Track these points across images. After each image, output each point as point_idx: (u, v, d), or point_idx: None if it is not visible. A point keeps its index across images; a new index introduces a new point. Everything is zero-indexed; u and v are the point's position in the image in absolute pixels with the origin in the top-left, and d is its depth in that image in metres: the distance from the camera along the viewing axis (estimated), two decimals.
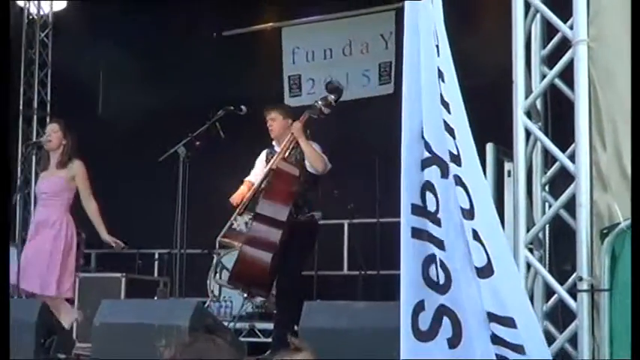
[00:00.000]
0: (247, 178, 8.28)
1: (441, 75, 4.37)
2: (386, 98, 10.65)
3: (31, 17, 14.26)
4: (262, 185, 7.96)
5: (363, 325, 5.64)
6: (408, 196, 4.45)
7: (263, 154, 8.31)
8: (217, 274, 9.57)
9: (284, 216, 7.72)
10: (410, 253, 4.48)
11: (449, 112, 4.32)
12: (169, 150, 7.95)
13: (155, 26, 12.71)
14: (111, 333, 6.84)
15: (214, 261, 8.21)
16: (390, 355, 4.65)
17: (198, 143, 8.04)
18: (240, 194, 8.11)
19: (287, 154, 7.99)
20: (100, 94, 14.22)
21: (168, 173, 7.95)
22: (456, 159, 4.26)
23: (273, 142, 8.27)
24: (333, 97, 8.14)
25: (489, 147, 5.48)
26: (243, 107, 8.10)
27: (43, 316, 7.30)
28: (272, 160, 8.04)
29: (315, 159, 7.91)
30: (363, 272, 10.26)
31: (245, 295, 8.76)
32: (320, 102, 8.12)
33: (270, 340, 8.39)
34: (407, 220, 4.47)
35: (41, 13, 14.29)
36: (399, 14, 9.90)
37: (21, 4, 14.21)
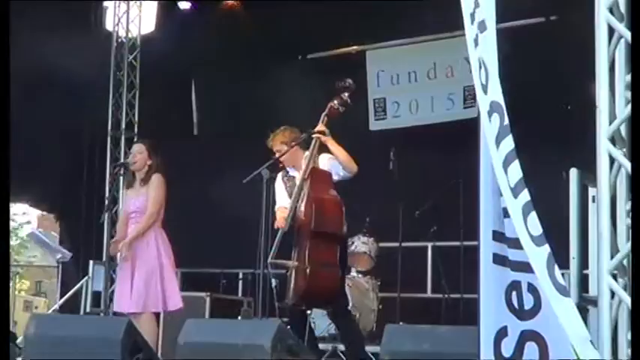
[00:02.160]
0: (278, 205, 8.13)
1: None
2: (470, 122, 10.60)
3: (119, 40, 14.50)
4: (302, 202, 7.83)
5: (445, 350, 5.63)
6: (487, 222, 4.47)
7: (279, 178, 8.19)
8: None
9: (340, 224, 7.74)
10: (491, 278, 4.50)
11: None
12: (253, 174, 7.99)
13: (242, 49, 12.84)
14: (194, 352, 6.89)
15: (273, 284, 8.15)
16: None
17: (281, 165, 8.09)
18: (282, 217, 7.97)
19: (312, 164, 7.86)
20: (194, 115, 14.36)
21: (254, 194, 7.98)
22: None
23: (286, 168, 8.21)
24: (346, 94, 8.05)
25: (573, 172, 5.40)
26: (327, 131, 8.07)
27: (129, 333, 7.34)
28: (301, 175, 7.90)
29: (349, 159, 7.78)
30: (446, 295, 10.24)
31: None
32: (336, 102, 8.00)
33: None
34: (487, 246, 4.48)
35: (129, 36, 14.52)
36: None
37: (110, 28, 14.49)
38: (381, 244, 10.31)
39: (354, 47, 12.19)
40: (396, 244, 9.89)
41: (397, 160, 9.77)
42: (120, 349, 7.18)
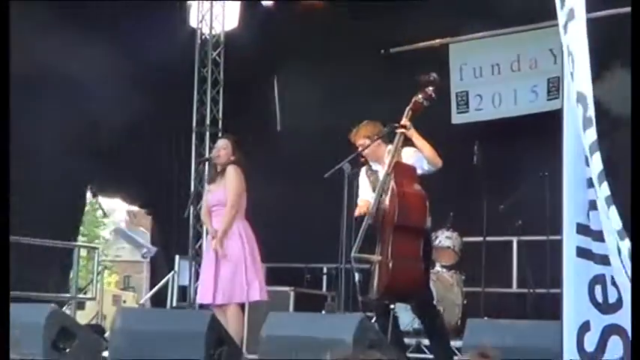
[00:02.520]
0: (361, 198, 8.08)
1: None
2: (556, 113, 10.48)
3: (203, 37, 14.66)
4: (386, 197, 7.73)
5: (528, 345, 5.62)
6: (571, 215, 4.42)
7: (362, 172, 8.14)
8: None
9: (424, 218, 7.66)
10: (574, 272, 4.46)
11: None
12: (335, 168, 7.99)
13: (323, 44, 12.89)
14: (277, 345, 6.97)
15: (356, 278, 8.15)
16: None
17: (363, 159, 8.07)
18: (361, 208, 7.94)
19: (396, 158, 7.78)
20: (277, 111, 14.45)
21: (337, 189, 7.99)
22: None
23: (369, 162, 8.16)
24: (431, 88, 7.97)
25: None
26: (395, 125, 8.02)
27: (213, 327, 7.44)
28: (386, 169, 7.79)
29: (433, 153, 7.73)
30: (531, 290, 10.17)
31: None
32: (421, 96, 7.91)
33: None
34: (571, 239, 4.44)
35: (213, 32, 14.67)
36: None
37: (194, 25, 14.66)
38: (465, 239, 10.30)
39: (438, 41, 12.13)
40: (481, 239, 9.83)
41: (481, 153, 9.71)
42: (204, 343, 7.28)
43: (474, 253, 10.13)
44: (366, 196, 8.04)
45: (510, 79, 11.57)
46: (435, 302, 9.17)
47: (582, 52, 4.32)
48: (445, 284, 9.99)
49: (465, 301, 10.04)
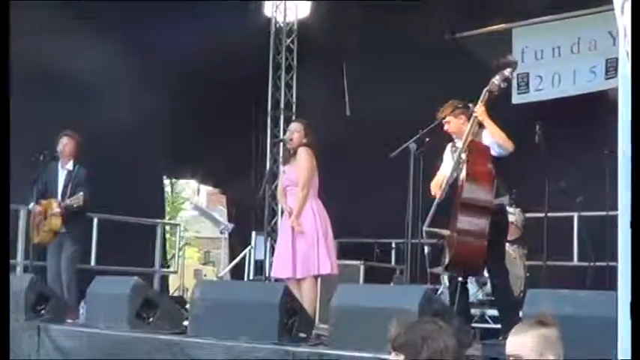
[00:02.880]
0: (441, 173, 8.10)
1: None
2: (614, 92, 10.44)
3: (277, 26, 14.78)
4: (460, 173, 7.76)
5: (586, 314, 5.59)
6: (625, 189, 4.40)
7: (447, 148, 8.14)
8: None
9: (490, 197, 7.55)
10: (628, 243, 4.43)
11: None
12: (402, 147, 8.04)
13: (391, 29, 12.89)
14: (347, 315, 7.02)
15: (425, 251, 8.21)
16: (613, 341, 4.60)
17: (427, 140, 8.06)
18: (437, 183, 7.98)
19: (470, 138, 7.76)
20: (347, 96, 14.49)
21: (405, 167, 8.03)
22: None
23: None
24: (509, 70, 7.94)
25: None
26: (470, 105, 8.01)
27: (286, 298, 7.52)
28: (461, 146, 7.80)
29: (504, 138, 7.66)
30: (592, 263, 10.13)
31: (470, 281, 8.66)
32: (498, 78, 7.86)
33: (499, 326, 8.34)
34: (625, 213, 4.41)
35: (287, 20, 14.78)
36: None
37: (268, 13, 14.78)
38: (528, 215, 10.27)
39: (502, 25, 12.07)
40: (542, 215, 9.79)
41: (542, 132, 9.67)
42: (278, 313, 7.37)
43: (536, 228, 10.07)
44: (445, 172, 8.06)
45: (570, 60, 11.53)
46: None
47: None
48: (508, 258, 9.93)
49: (528, 274, 10.04)
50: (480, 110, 7.74)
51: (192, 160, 14.60)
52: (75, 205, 10.08)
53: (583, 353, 4.90)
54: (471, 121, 7.82)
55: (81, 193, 10.05)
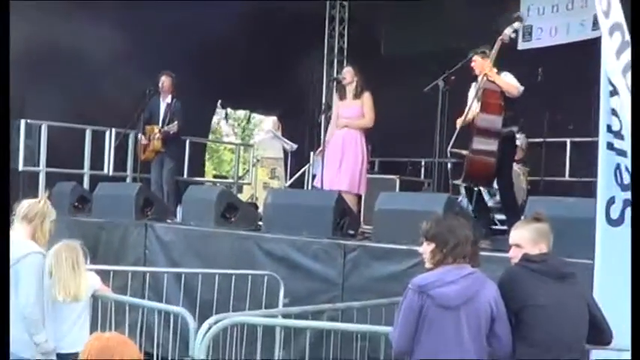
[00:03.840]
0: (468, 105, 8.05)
1: None
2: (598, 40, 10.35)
3: None
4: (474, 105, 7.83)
5: (574, 215, 5.72)
6: (604, 118, 4.60)
7: (472, 86, 8.09)
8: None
9: (499, 125, 7.63)
10: (605, 162, 4.65)
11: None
12: (432, 84, 8.13)
13: None
14: (386, 217, 7.26)
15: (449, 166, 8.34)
16: (591, 237, 4.80)
17: (453, 78, 8.10)
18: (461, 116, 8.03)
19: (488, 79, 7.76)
20: (382, 38, 14.41)
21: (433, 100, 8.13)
22: None
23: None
24: (517, 23, 7.98)
25: None
26: (486, 51, 8.06)
27: (339, 202, 7.77)
28: (479, 84, 7.84)
29: (507, 87, 7.67)
30: (580, 179, 10.21)
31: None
32: (509, 30, 7.89)
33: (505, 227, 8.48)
34: (603, 136, 4.63)
35: None
36: None
37: None
38: (531, 140, 10.31)
39: None
40: (542, 140, 9.91)
41: (543, 74, 9.75)
42: (332, 214, 7.63)
43: (536, 150, 10.18)
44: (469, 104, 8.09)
45: (565, 15, 11.45)
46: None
47: None
48: (514, 174, 10.03)
49: (529, 187, 10.13)
50: (487, 68, 7.75)
51: (252, 95, 14.61)
52: (171, 132, 10.39)
53: (569, 243, 5.03)
54: (485, 65, 7.83)
55: (176, 122, 10.34)
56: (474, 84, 8.11)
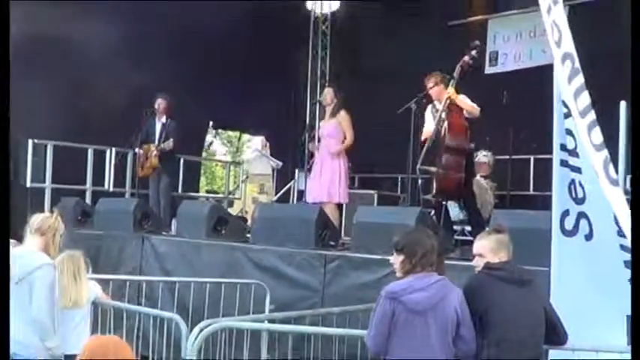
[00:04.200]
0: (425, 129, 8.20)
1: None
2: None
3: (315, 15, 14.81)
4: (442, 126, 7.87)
5: (533, 226, 5.78)
6: (557, 137, 4.69)
7: (428, 108, 8.21)
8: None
9: (465, 143, 7.73)
10: (559, 177, 4.73)
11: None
12: (405, 106, 8.16)
13: (400, 18, 12.82)
14: (364, 229, 7.32)
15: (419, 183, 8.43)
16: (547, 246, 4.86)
17: (424, 101, 8.21)
18: (425, 134, 8.12)
19: (449, 102, 7.85)
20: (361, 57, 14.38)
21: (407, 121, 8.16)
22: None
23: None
24: (474, 51, 8.03)
25: (623, 105, 5.47)
26: (446, 75, 8.07)
27: (321, 216, 7.81)
28: (442, 106, 7.88)
29: (471, 107, 7.78)
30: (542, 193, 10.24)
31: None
32: (467, 57, 7.96)
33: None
34: (557, 154, 4.71)
35: (322, 11, 14.83)
36: (572, 10, 9.76)
37: (309, 7, 14.78)
38: (497, 157, 10.36)
39: (481, 17, 12.06)
40: (507, 157, 9.96)
41: (508, 96, 9.81)
42: (314, 227, 7.67)
43: (503, 166, 10.22)
44: (429, 126, 8.21)
45: (528, 42, 11.58)
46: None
47: (565, 25, 4.54)
48: (482, 188, 10.00)
49: (497, 201, 10.17)
50: (451, 91, 7.83)
51: (242, 116, 14.65)
52: (167, 148, 10.42)
53: (529, 252, 5.10)
54: (450, 84, 7.92)
55: (171, 140, 10.39)
56: (430, 106, 8.22)
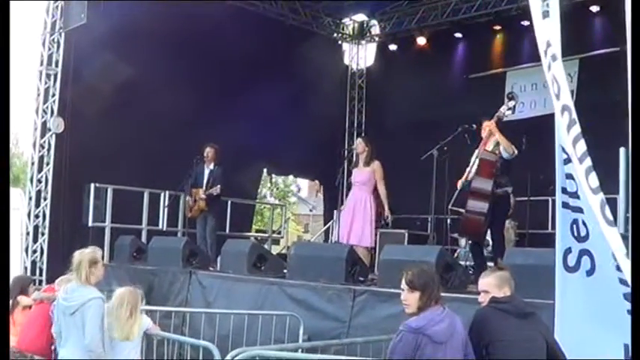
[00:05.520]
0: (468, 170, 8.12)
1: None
2: None
3: (352, 70, 15.07)
4: (473, 169, 7.87)
5: (542, 263, 5.67)
6: (559, 181, 4.65)
7: (475, 153, 8.10)
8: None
9: (489, 187, 7.66)
10: (561, 217, 4.67)
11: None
12: (427, 153, 8.22)
13: (428, 69, 12.99)
14: (390, 265, 7.22)
15: (449, 222, 8.36)
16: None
17: (445, 149, 8.25)
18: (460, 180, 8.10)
19: (487, 146, 7.89)
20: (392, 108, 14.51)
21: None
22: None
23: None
24: (512, 102, 8.09)
25: (622, 151, 5.40)
26: (474, 125, 8.19)
27: (351, 254, 7.77)
28: (477, 152, 7.94)
29: (509, 144, 7.73)
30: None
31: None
32: (504, 107, 7.98)
33: None
34: (559, 196, 4.66)
35: (359, 67, 15.05)
36: (583, 62, 9.75)
37: (346, 62, 14.99)
38: (517, 198, 10.24)
39: (500, 69, 12.08)
40: (527, 198, 9.86)
41: (526, 142, 9.71)
42: (344, 264, 7.64)
43: (523, 207, 10.12)
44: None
45: (543, 91, 11.52)
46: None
47: (563, 79, 4.53)
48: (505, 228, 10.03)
49: (518, 239, 10.08)
50: (492, 126, 7.84)
51: (293, 162, 14.74)
52: (214, 194, 10.53)
53: (538, 286, 5.11)
54: (486, 133, 7.90)
55: (219, 185, 10.48)
56: (476, 151, 8.12)
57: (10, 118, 4.70)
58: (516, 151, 7.79)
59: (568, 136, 4.40)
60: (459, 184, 7.96)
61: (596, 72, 9.43)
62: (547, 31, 4.69)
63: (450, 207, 7.95)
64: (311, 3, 13.78)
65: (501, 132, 7.84)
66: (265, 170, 15.51)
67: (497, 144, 7.85)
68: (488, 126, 7.93)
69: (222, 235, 11.37)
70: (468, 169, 7.98)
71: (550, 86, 4.64)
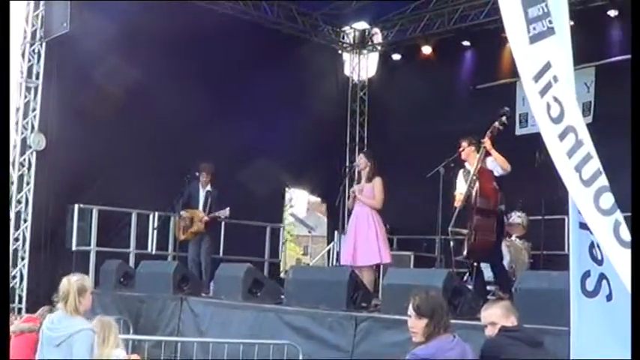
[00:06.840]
0: (457, 191, 8.31)
1: None
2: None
3: (353, 82, 15.09)
4: (473, 189, 7.96)
5: (557, 287, 5.67)
6: (573, 202, 4.62)
7: (460, 173, 8.33)
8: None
9: (495, 205, 7.83)
10: (578, 239, 4.64)
11: None
12: (434, 170, 8.27)
13: (433, 80, 13.04)
14: (393, 290, 7.23)
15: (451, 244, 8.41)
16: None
17: (452, 165, 8.30)
18: (456, 197, 8.22)
19: (480, 165, 8.02)
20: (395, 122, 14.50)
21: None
22: None
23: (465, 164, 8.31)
24: (504, 117, 8.16)
25: None
26: (482, 140, 8.22)
27: (352, 278, 7.76)
28: (473, 171, 8.03)
29: (504, 161, 7.94)
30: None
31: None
32: (497, 123, 8.11)
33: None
34: (575, 216, 4.63)
35: (360, 78, 15.07)
36: (598, 69, 9.70)
37: (347, 73, 15.02)
38: (531, 217, 10.28)
39: (509, 80, 12.07)
40: (541, 217, 9.85)
41: (540, 157, 9.71)
42: (346, 289, 7.62)
43: (537, 227, 10.11)
44: (460, 189, 8.27)
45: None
46: (510, 262, 9.35)
47: (569, 99, 4.43)
48: (517, 249, 10.01)
49: (532, 260, 10.06)
50: (486, 142, 7.97)
51: (301, 178, 14.70)
52: (222, 217, 10.54)
53: (550, 311, 5.12)
54: (480, 152, 8.04)
55: (227, 208, 10.48)
56: (461, 170, 8.30)
57: (9, 124, 4.59)
58: (510, 168, 7.94)
59: (570, 161, 4.36)
60: (457, 203, 8.08)
61: (615, 80, 9.42)
62: (546, 52, 4.54)
63: (450, 229, 8.05)
64: (309, 10, 13.79)
65: (494, 147, 8.02)
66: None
67: (491, 161, 8.05)
68: (467, 156, 8.15)
69: (217, 259, 11.34)
70: (466, 189, 8.08)
71: (543, 113, 4.52)
